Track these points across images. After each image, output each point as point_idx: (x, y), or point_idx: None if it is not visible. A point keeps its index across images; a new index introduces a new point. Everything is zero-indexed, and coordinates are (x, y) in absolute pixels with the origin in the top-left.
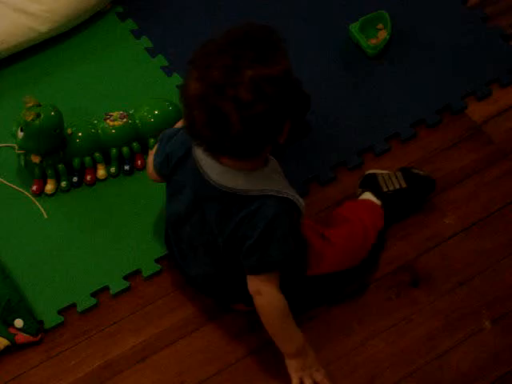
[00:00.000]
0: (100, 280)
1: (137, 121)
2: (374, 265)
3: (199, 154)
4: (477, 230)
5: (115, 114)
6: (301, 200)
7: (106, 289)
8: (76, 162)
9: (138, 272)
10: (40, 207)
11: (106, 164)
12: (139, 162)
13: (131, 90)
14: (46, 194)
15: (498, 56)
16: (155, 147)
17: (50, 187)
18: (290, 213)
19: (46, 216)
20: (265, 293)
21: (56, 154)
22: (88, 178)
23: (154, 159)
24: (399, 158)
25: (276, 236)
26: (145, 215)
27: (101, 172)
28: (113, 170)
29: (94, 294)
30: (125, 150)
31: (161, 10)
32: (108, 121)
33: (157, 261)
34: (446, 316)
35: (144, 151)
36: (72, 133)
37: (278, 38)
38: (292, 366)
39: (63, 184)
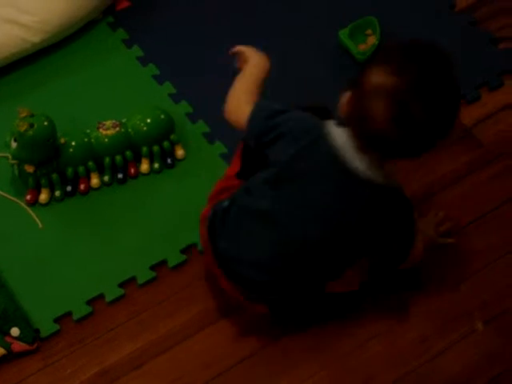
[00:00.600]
0: (95, 288)
1: (129, 129)
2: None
3: (340, 144)
4: (469, 231)
5: (108, 122)
6: None
7: (101, 296)
8: (69, 171)
9: (132, 279)
10: (34, 217)
11: (100, 173)
12: (132, 170)
13: (123, 99)
14: (41, 204)
15: (487, 60)
16: (258, 107)
17: (44, 197)
18: None
19: (40, 225)
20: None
21: (50, 164)
22: (82, 186)
23: (255, 119)
24: None
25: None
26: (139, 223)
27: (94, 181)
28: (106, 178)
29: (89, 302)
30: (118, 158)
31: (151, 20)
32: (101, 130)
33: (152, 268)
34: (440, 318)
35: (137, 159)
36: (65, 142)
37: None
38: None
39: (57, 193)
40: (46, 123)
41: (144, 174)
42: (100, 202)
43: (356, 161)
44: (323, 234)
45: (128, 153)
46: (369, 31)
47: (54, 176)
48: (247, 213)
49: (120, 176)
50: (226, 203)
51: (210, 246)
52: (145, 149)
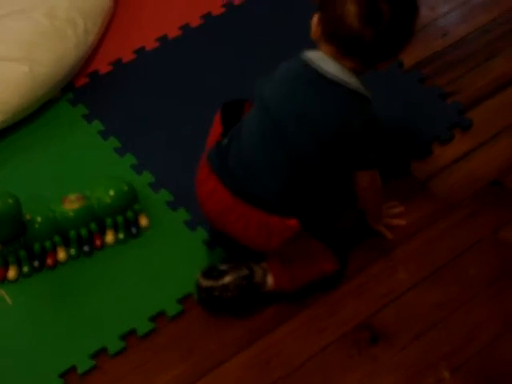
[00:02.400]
0: (66, 361)
1: (93, 202)
2: None
3: (313, 56)
4: (429, 283)
5: (72, 196)
6: None
7: (72, 369)
8: (36, 246)
9: (103, 350)
10: (4, 294)
11: (66, 246)
12: (98, 242)
13: (87, 173)
14: (9, 281)
15: (437, 115)
16: None
17: (12, 274)
18: None
19: (10, 302)
20: (377, 176)
21: (16, 241)
22: (49, 261)
23: None
24: None
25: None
26: (107, 293)
27: (61, 255)
28: (73, 251)
29: (62, 375)
30: (83, 231)
31: (110, 94)
32: (65, 204)
33: (121, 337)
34: (406, 370)
35: (102, 231)
36: (31, 218)
37: None
38: (378, 220)
39: (25, 269)
40: (10, 201)
41: (110, 245)
42: (67, 275)
43: (329, 66)
44: (308, 137)
45: (93, 225)
46: None
47: (22, 252)
48: (249, 133)
49: (86, 248)
50: (225, 141)
51: (224, 185)
52: (109, 220)
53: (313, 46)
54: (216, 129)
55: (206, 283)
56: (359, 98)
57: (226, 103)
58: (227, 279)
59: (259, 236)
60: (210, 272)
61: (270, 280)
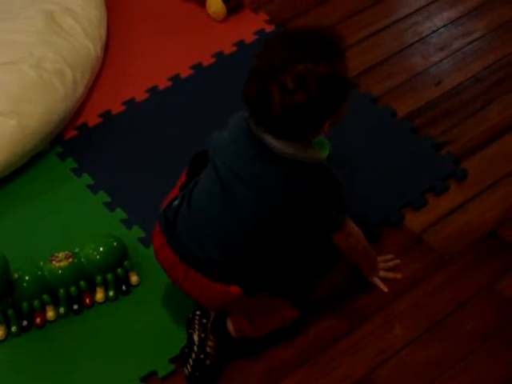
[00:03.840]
0: None
1: (82, 259)
2: None
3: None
4: (426, 339)
5: (60, 254)
6: None
7: None
8: (25, 305)
9: None
10: None
11: (55, 305)
12: (87, 300)
13: (76, 228)
14: None
15: (431, 165)
16: None
17: (0, 333)
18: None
19: None
20: (353, 231)
21: (4, 300)
22: (38, 320)
23: None
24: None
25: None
26: (97, 352)
27: (50, 313)
28: (62, 310)
29: None
30: (72, 289)
31: (100, 147)
32: (54, 262)
33: None
34: None
35: (91, 289)
36: (19, 277)
37: (342, 44)
38: (372, 273)
39: (13, 329)
40: None
41: (99, 303)
42: (57, 334)
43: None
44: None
45: (82, 283)
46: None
47: (10, 312)
48: (199, 195)
49: (75, 307)
50: (176, 202)
51: (168, 244)
52: (99, 278)
53: None
54: (181, 181)
55: (186, 371)
56: (300, 165)
57: (197, 154)
58: (197, 356)
59: (202, 297)
60: (183, 358)
61: (229, 326)
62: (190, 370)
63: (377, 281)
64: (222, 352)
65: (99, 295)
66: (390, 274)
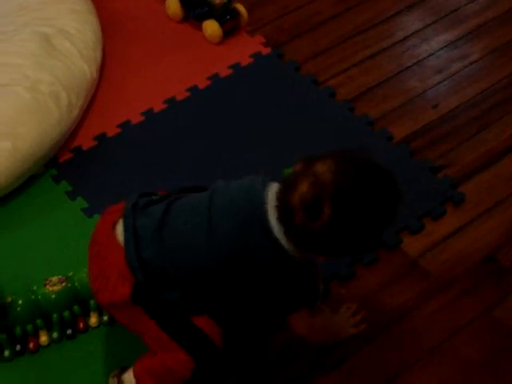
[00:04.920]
0: None
1: (76, 283)
2: None
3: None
4: (420, 366)
5: (54, 278)
6: None
7: None
8: (18, 330)
9: None
10: None
11: (48, 329)
12: (81, 324)
13: (69, 252)
14: None
15: (428, 189)
16: None
17: None
18: None
19: None
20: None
21: None
22: (31, 345)
23: None
24: (340, 298)
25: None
26: (90, 378)
27: (43, 338)
28: (55, 335)
29: None
30: (66, 314)
31: (94, 170)
32: (47, 286)
33: None
34: None
35: (85, 314)
36: (12, 301)
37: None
38: (342, 335)
39: (6, 353)
40: None
41: (94, 327)
42: (50, 358)
43: (273, 223)
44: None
45: (76, 307)
46: None
47: (3, 336)
48: (181, 205)
49: (69, 332)
50: (156, 197)
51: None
52: (93, 302)
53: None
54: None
55: None
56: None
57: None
58: None
59: (98, 280)
60: None
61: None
62: None
63: (353, 330)
64: None
65: (93, 320)
66: (361, 327)
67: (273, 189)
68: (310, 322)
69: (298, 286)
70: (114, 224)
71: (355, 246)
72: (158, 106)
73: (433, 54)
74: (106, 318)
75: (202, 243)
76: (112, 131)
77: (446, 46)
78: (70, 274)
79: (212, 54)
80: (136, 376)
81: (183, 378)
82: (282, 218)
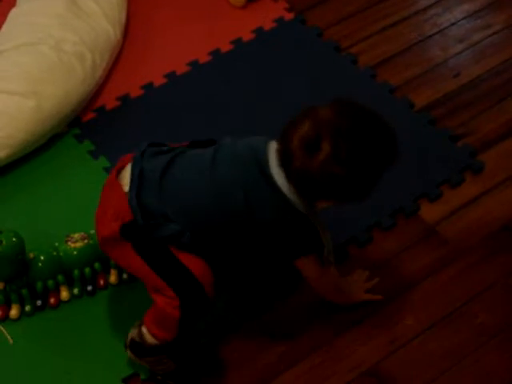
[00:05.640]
0: None
1: (98, 241)
2: None
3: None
4: (437, 330)
5: (76, 235)
6: None
7: None
8: (39, 285)
9: None
10: (5, 333)
11: (69, 285)
12: (101, 281)
13: (92, 210)
14: (11, 319)
15: (447, 157)
16: None
17: (14, 312)
18: None
19: (11, 342)
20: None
21: (19, 279)
22: (52, 300)
23: None
24: (358, 263)
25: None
26: (110, 334)
27: (64, 294)
28: (76, 291)
29: None
30: (87, 270)
31: (117, 130)
32: (69, 243)
33: (124, 380)
34: None
35: (106, 271)
36: (34, 257)
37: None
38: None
39: (27, 308)
40: (14, 239)
41: (113, 285)
42: (70, 314)
43: (275, 170)
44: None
45: (97, 264)
46: None
47: (24, 291)
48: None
49: (89, 288)
50: (165, 148)
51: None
52: None
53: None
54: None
55: None
56: (287, 202)
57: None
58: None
59: (101, 216)
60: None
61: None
62: None
63: (366, 296)
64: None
65: (113, 277)
66: (374, 297)
67: (275, 143)
68: (320, 269)
69: (298, 233)
70: (123, 168)
71: (354, 186)
72: (181, 69)
73: (455, 23)
74: (125, 276)
75: (203, 186)
76: (135, 92)
77: (468, 16)
78: (92, 231)
79: (235, 18)
80: (145, 325)
81: (174, 316)
82: (282, 161)
